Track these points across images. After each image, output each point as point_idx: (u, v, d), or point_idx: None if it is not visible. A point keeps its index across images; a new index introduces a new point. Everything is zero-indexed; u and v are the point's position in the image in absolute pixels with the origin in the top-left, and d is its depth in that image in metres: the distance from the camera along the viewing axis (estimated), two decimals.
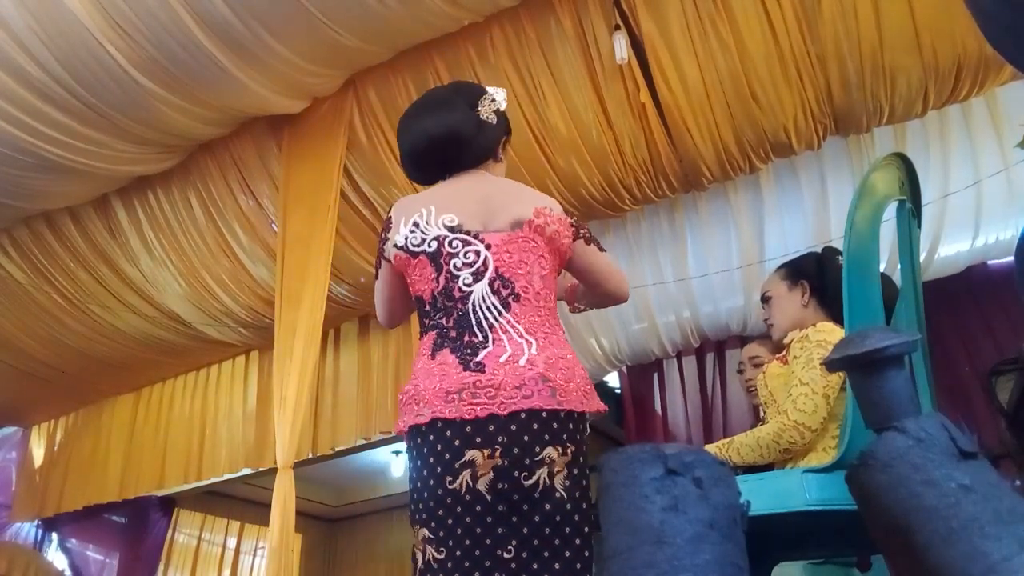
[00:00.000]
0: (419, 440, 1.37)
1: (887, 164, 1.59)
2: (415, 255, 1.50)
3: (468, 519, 1.31)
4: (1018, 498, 1.02)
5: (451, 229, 1.50)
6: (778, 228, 3.96)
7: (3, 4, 2.76)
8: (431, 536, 1.33)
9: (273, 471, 3.41)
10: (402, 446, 6.41)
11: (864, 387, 1.17)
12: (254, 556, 7.34)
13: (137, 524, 6.19)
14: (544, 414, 1.35)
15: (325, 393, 4.85)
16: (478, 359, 1.38)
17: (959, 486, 1.01)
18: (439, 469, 1.33)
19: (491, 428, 1.32)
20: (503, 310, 1.43)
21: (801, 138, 3.37)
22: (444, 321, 1.44)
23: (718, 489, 1.09)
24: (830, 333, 1.87)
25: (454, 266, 1.46)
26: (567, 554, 1.32)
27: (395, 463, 7.03)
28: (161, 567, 6.30)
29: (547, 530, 1.32)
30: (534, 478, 1.32)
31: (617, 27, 3.18)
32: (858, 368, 1.17)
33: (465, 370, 1.37)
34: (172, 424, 5.47)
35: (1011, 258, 3.83)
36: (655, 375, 5.00)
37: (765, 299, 2.12)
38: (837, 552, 1.93)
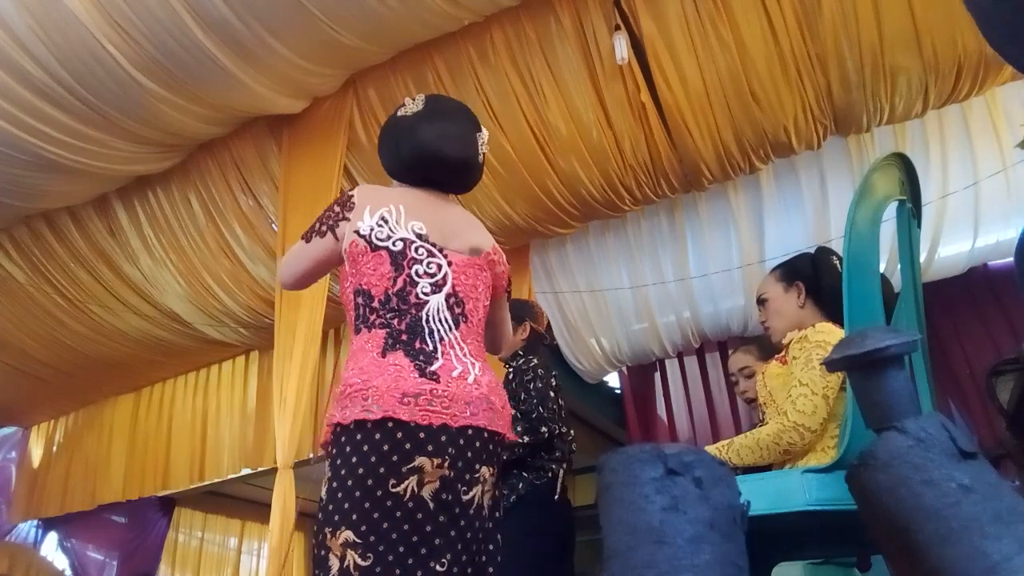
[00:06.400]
0: (359, 436, 1.34)
1: (887, 164, 1.59)
2: (376, 248, 1.49)
3: (406, 526, 1.30)
4: (1018, 498, 1.03)
5: (418, 236, 1.52)
6: (778, 228, 3.96)
7: (3, 4, 2.76)
8: (357, 540, 1.28)
9: (273, 471, 3.42)
10: None
11: (864, 387, 1.17)
12: (257, 556, 7.33)
13: (137, 524, 6.19)
14: (485, 434, 1.41)
15: (325, 393, 4.85)
16: (433, 368, 1.40)
17: (959, 486, 1.01)
18: (382, 470, 1.30)
19: (443, 438, 1.34)
20: (453, 327, 1.47)
21: (801, 138, 3.37)
22: (395, 323, 1.44)
23: (718, 489, 1.09)
24: (829, 333, 1.87)
25: (415, 272, 1.48)
26: (490, 570, 1.39)
27: None
28: (161, 567, 6.30)
29: (474, 547, 1.36)
30: (471, 494, 1.37)
31: (617, 27, 3.18)
32: (858, 368, 1.17)
33: (421, 376, 1.38)
34: (172, 425, 5.47)
35: (1010, 259, 3.83)
36: (656, 375, 5.00)
37: (761, 301, 2.12)
38: (837, 552, 1.93)
